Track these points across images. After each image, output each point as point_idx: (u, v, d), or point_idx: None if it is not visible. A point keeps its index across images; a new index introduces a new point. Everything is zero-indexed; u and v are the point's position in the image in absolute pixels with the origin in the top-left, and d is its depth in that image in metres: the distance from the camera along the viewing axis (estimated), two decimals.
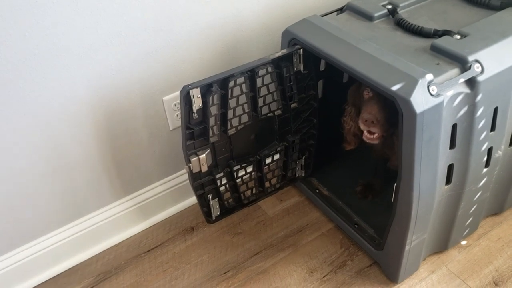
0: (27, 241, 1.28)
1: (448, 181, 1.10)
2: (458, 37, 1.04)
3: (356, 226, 1.32)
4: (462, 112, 0.99)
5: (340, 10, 1.23)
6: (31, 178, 1.19)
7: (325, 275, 1.28)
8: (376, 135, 1.12)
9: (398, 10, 1.17)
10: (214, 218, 1.34)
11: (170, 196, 1.46)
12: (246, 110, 1.20)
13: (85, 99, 1.16)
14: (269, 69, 1.16)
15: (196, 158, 1.17)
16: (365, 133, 1.13)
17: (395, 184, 1.08)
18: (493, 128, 1.08)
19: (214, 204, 1.31)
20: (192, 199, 1.49)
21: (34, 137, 1.14)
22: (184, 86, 1.05)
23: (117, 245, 1.41)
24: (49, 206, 1.26)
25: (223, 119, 1.17)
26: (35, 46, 1.03)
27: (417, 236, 1.14)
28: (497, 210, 1.37)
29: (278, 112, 1.26)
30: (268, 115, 1.25)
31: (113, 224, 1.38)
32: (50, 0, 1.00)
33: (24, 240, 1.27)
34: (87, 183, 1.29)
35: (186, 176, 1.42)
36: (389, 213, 1.14)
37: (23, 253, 1.27)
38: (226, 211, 1.37)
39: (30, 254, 1.28)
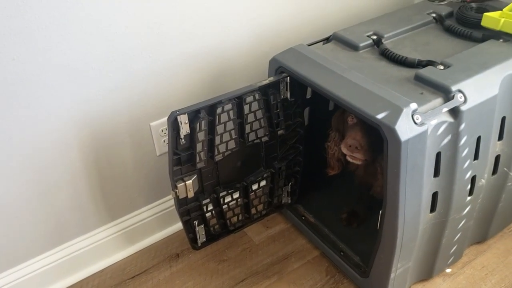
0: (9, 267, 1.26)
1: (432, 209, 1.11)
2: (442, 67, 1.06)
3: (341, 253, 1.32)
4: (446, 140, 1.01)
5: (326, 40, 1.26)
6: (14, 203, 1.17)
7: None
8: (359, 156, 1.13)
9: (382, 40, 1.20)
10: (199, 244, 1.33)
11: (155, 222, 1.45)
12: (233, 137, 1.20)
13: (71, 123, 1.16)
14: (257, 96, 1.18)
15: (182, 184, 1.16)
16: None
17: (380, 211, 1.09)
18: (476, 156, 1.09)
19: (200, 231, 1.31)
20: (178, 225, 1.48)
21: (18, 161, 1.13)
22: (172, 112, 1.06)
23: (101, 271, 1.39)
24: (32, 231, 1.24)
25: (210, 145, 1.18)
26: (22, 70, 1.03)
27: (402, 263, 1.14)
28: (480, 238, 1.38)
29: (265, 138, 1.27)
30: (255, 141, 1.26)
31: (97, 250, 1.36)
32: (38, 25, 1.00)
33: (5, 266, 1.25)
34: (71, 208, 1.27)
35: (172, 202, 1.42)
36: (375, 240, 1.14)
37: (4, 280, 1.25)
38: (211, 238, 1.36)
39: (12, 280, 1.25)
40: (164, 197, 1.44)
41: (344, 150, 1.14)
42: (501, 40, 1.14)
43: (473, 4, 1.29)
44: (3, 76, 1.01)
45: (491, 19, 1.15)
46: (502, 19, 1.14)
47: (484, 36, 1.16)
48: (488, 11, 1.21)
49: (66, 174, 1.22)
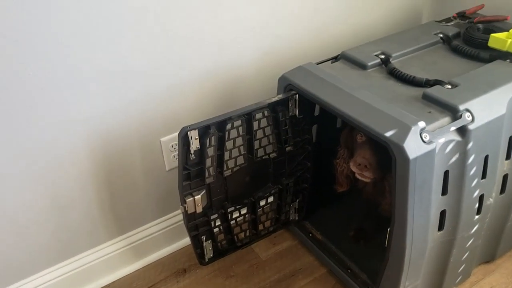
0: (20, 279, 1.26)
1: (440, 227, 1.11)
2: (449, 86, 1.07)
3: (349, 271, 1.32)
4: (453, 159, 1.02)
5: (335, 59, 1.27)
6: (26, 215, 1.19)
7: None
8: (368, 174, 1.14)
9: (390, 60, 1.21)
10: (207, 260, 1.34)
11: (163, 236, 1.45)
12: (242, 152, 1.22)
13: (84, 138, 1.17)
14: (266, 113, 1.19)
15: (191, 198, 1.17)
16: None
17: (388, 229, 1.09)
18: (484, 175, 1.10)
19: (208, 246, 1.31)
20: (185, 240, 1.48)
21: (31, 175, 1.14)
22: (183, 128, 1.07)
23: (108, 285, 1.39)
24: (41, 244, 1.25)
25: (220, 161, 1.19)
26: (40, 86, 1.05)
27: (410, 282, 1.14)
28: (489, 258, 1.37)
29: (273, 155, 1.28)
30: (264, 157, 1.27)
31: (105, 264, 1.37)
32: (58, 42, 1.03)
33: (16, 277, 1.26)
34: (81, 222, 1.29)
35: (180, 216, 1.43)
36: (382, 258, 1.14)
37: None
38: (219, 253, 1.36)
39: None
40: (172, 212, 1.45)
41: (353, 169, 1.15)
42: (508, 60, 1.16)
43: (480, 25, 1.30)
44: (21, 91, 1.04)
45: (498, 40, 1.17)
46: (509, 40, 1.15)
47: (491, 57, 1.18)
48: (494, 31, 1.22)
49: (77, 188, 1.23)
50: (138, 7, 1.09)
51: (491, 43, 1.19)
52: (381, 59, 1.22)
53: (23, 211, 1.18)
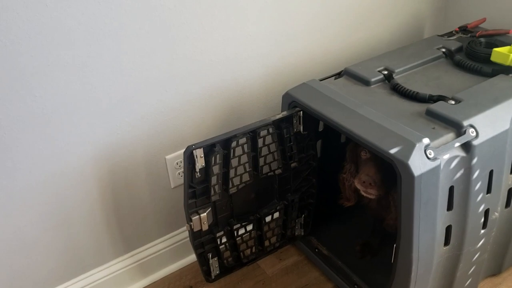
0: None
1: (446, 243, 1.11)
2: (453, 102, 1.08)
3: (355, 286, 1.32)
4: (458, 174, 1.02)
5: (338, 75, 1.28)
6: (33, 233, 1.19)
7: None
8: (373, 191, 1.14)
9: (393, 75, 1.22)
10: (213, 277, 1.34)
11: (169, 253, 1.46)
12: (247, 169, 1.22)
13: (90, 156, 1.18)
14: (270, 130, 1.20)
15: (197, 216, 1.18)
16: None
17: (394, 244, 1.09)
18: (489, 190, 1.10)
19: (214, 263, 1.31)
20: (192, 257, 1.49)
21: (37, 193, 1.15)
22: (188, 146, 1.08)
23: None
24: (49, 263, 1.26)
25: (225, 178, 1.20)
26: (44, 106, 1.06)
27: None
28: (495, 271, 1.37)
29: (278, 171, 1.29)
30: (269, 174, 1.28)
31: (112, 281, 1.37)
32: (59, 63, 1.04)
33: None
34: (88, 240, 1.29)
35: (186, 233, 1.43)
36: (389, 273, 1.14)
37: None
38: (225, 270, 1.36)
39: None
40: (178, 229, 1.46)
41: (358, 186, 1.15)
42: (510, 75, 1.16)
43: (482, 39, 1.31)
44: (25, 112, 1.05)
45: (501, 54, 1.18)
46: (511, 55, 1.16)
47: (494, 71, 1.18)
48: (497, 46, 1.23)
49: (84, 206, 1.24)
50: (143, 27, 1.11)
51: (494, 58, 1.19)
52: (384, 75, 1.22)
53: (30, 230, 1.18)
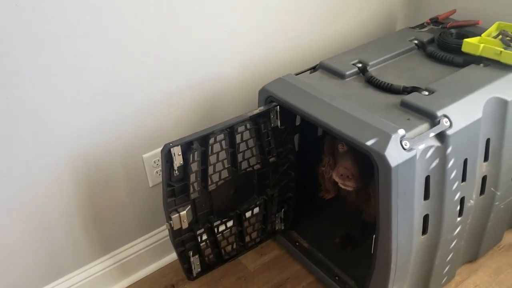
0: None
1: (424, 231, 1.13)
2: (426, 93, 1.10)
3: (337, 278, 1.33)
4: (434, 164, 1.04)
5: (313, 69, 1.29)
6: (8, 238, 1.17)
7: None
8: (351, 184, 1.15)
9: (368, 68, 1.23)
10: (195, 275, 1.33)
11: (150, 253, 1.45)
12: (226, 166, 1.22)
13: (64, 157, 1.16)
14: (248, 125, 1.20)
15: (177, 215, 1.17)
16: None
17: (373, 235, 1.10)
18: (464, 178, 1.12)
19: (195, 261, 1.31)
20: (172, 256, 1.48)
21: (11, 197, 1.13)
22: (165, 145, 1.07)
23: None
24: (28, 266, 1.23)
25: (204, 175, 1.19)
26: (16, 107, 1.04)
27: (398, 286, 1.16)
28: (472, 257, 1.40)
29: (257, 166, 1.29)
30: (248, 169, 1.28)
31: (92, 284, 1.35)
32: (29, 59, 1.01)
33: None
34: (66, 242, 1.27)
35: (166, 232, 1.42)
36: (369, 264, 1.15)
37: None
38: (206, 267, 1.36)
39: None
40: (157, 228, 1.45)
41: (336, 179, 1.16)
42: (481, 64, 1.19)
43: (453, 30, 1.33)
44: (2, 112, 1.02)
45: (471, 45, 1.20)
46: (481, 45, 1.18)
47: (465, 61, 1.21)
48: (467, 36, 1.25)
49: (60, 208, 1.22)
50: (116, 27, 1.10)
51: (465, 48, 1.22)
52: (358, 67, 1.24)
53: (4, 235, 1.16)
